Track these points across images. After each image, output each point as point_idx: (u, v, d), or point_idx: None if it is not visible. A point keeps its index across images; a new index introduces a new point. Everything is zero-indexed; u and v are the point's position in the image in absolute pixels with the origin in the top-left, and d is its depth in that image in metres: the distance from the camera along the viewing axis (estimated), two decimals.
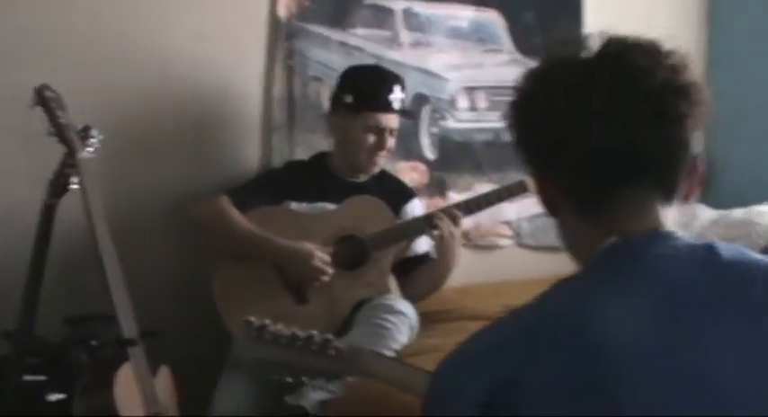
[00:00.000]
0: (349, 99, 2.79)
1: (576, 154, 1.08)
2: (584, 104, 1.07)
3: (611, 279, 1.06)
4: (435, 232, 2.74)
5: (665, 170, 1.10)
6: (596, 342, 0.99)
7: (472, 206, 2.83)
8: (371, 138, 2.78)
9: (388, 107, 2.78)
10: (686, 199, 1.14)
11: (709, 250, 1.07)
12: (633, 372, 0.97)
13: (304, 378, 1.63)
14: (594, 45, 1.10)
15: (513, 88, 1.14)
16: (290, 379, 1.62)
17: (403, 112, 2.86)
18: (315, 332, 1.62)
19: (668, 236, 1.09)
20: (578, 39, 1.12)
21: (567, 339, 1.00)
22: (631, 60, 1.08)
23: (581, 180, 1.10)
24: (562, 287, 1.08)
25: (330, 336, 1.62)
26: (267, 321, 1.63)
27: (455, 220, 2.74)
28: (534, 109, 1.12)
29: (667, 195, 1.11)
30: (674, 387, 0.97)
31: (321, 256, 2.66)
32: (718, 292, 1.03)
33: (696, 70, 1.11)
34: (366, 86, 2.81)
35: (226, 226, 2.69)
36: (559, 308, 1.05)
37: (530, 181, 2.66)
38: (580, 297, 1.05)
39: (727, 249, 1.07)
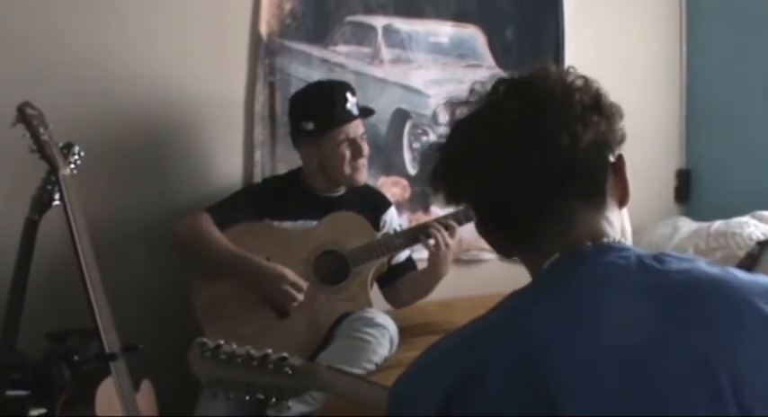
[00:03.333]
0: (310, 126, 2.78)
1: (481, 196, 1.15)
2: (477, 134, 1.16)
3: (553, 287, 1.08)
4: (431, 241, 2.75)
5: (575, 178, 1.10)
6: (534, 348, 1.00)
7: (465, 216, 2.80)
8: (347, 151, 2.79)
9: (350, 116, 2.79)
10: (622, 201, 1.16)
11: (659, 260, 1.07)
12: (568, 379, 0.96)
13: (260, 396, 1.64)
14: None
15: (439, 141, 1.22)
16: (247, 397, 1.63)
17: (363, 114, 2.87)
18: (270, 351, 1.64)
19: (614, 247, 1.09)
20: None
21: (508, 344, 1.01)
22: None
23: (499, 214, 1.15)
24: (511, 297, 1.10)
25: (286, 354, 1.64)
26: (221, 341, 1.65)
27: (450, 230, 2.77)
28: (452, 152, 1.21)
29: (594, 202, 1.12)
30: (612, 395, 0.96)
31: (294, 280, 2.67)
32: (663, 301, 1.02)
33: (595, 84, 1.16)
34: (322, 107, 2.79)
35: (204, 244, 2.70)
36: (505, 316, 1.07)
37: None
38: (523, 306, 1.07)
39: (677, 260, 1.07)
